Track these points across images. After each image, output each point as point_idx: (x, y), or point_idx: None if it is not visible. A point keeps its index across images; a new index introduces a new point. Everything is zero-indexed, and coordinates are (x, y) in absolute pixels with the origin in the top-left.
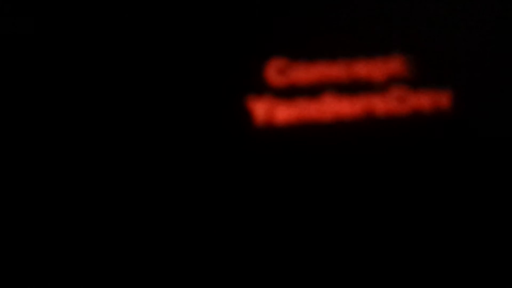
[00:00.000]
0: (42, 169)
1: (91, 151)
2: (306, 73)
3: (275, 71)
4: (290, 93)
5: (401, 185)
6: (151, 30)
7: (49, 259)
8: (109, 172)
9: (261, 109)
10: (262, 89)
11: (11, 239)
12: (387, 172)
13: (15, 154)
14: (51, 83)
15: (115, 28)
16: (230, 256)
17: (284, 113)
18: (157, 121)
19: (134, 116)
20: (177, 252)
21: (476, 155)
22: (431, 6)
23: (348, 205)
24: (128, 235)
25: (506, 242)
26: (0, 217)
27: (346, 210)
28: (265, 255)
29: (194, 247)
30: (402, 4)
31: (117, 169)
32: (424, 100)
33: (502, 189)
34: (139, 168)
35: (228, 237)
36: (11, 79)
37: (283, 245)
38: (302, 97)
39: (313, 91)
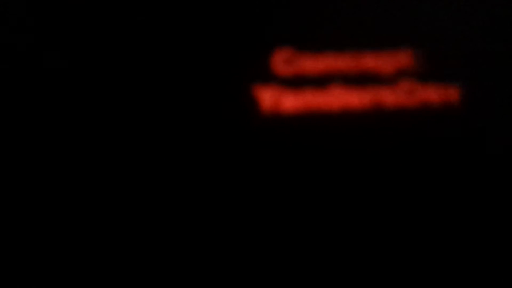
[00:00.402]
0: (45, 170)
1: (96, 140)
2: (313, 63)
3: (282, 61)
4: (296, 83)
5: (408, 178)
6: (157, 21)
7: (49, 259)
8: (115, 161)
9: (268, 99)
10: (269, 78)
11: (11, 239)
12: (394, 165)
13: (16, 155)
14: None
15: (121, 16)
16: (235, 245)
17: (291, 102)
18: (163, 110)
19: (140, 105)
20: (183, 239)
21: (484, 149)
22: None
23: (354, 197)
24: (136, 222)
25: None
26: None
27: (351, 201)
28: (270, 245)
29: (199, 236)
30: None
31: (123, 157)
32: (432, 94)
33: (510, 184)
34: (144, 157)
35: (233, 227)
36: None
37: (288, 235)
38: (309, 87)
39: (320, 81)
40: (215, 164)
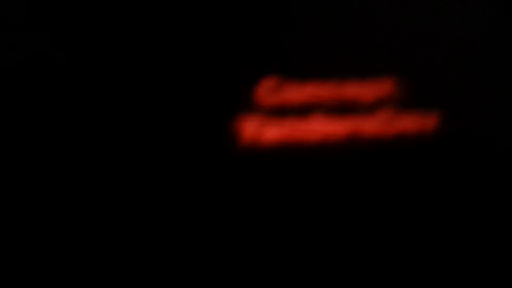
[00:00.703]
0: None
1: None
2: (296, 93)
3: (266, 91)
4: (279, 112)
5: (386, 205)
6: (140, 48)
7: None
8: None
9: (250, 128)
10: (252, 108)
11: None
12: (373, 192)
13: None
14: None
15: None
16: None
17: (273, 132)
18: (144, 139)
19: (117, 134)
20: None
21: (460, 177)
22: (420, 30)
23: (333, 225)
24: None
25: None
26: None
27: (331, 230)
28: (249, 274)
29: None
30: (392, 27)
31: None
32: (411, 122)
33: (487, 211)
34: (121, 187)
35: (214, 257)
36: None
37: (270, 263)
38: (291, 116)
39: (302, 110)
40: (196, 194)
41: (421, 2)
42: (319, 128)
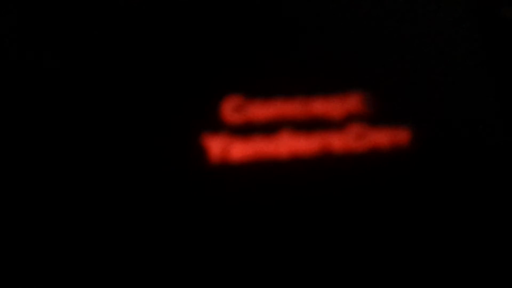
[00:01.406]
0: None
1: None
2: (262, 110)
3: (231, 109)
4: (246, 130)
5: (358, 222)
6: (110, 71)
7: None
8: None
9: (217, 147)
10: (218, 127)
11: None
12: (343, 209)
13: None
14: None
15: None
16: None
17: (240, 150)
18: (113, 159)
19: (86, 158)
20: None
21: (433, 191)
22: (389, 43)
23: (304, 244)
24: None
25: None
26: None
27: (302, 248)
28: None
29: None
30: (360, 41)
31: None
32: (382, 137)
33: (460, 225)
34: (90, 206)
35: (181, 278)
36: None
37: (237, 283)
38: (258, 134)
39: (269, 128)
40: (164, 212)
41: (387, 18)
42: (288, 145)
